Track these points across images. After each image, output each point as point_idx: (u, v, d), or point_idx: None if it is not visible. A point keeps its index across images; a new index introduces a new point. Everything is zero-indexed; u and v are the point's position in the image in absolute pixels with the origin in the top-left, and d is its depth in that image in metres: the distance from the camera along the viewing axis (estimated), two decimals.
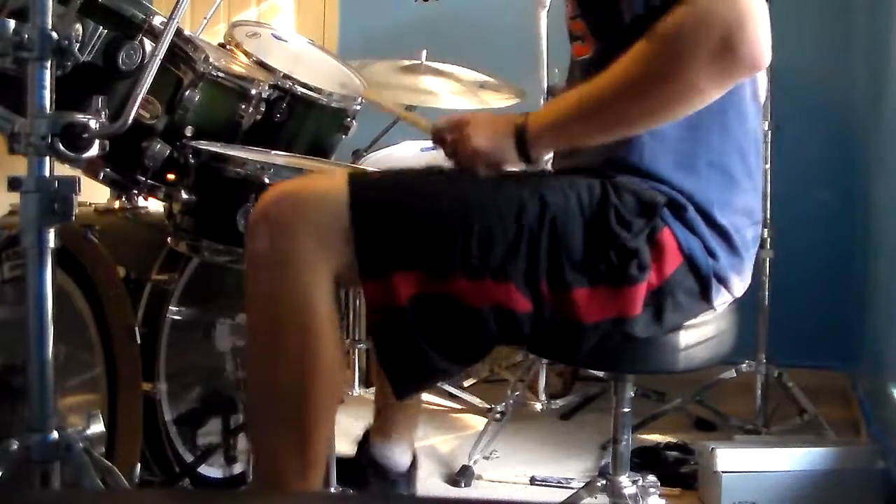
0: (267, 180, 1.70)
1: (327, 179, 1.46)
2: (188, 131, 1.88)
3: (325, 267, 1.37)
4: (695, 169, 1.42)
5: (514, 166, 1.46)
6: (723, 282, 1.44)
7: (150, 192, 1.89)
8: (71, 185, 1.32)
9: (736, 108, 1.44)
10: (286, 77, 2.07)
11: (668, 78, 1.30)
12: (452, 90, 2.82)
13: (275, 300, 1.38)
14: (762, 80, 1.56)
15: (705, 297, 1.43)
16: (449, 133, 1.47)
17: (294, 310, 1.37)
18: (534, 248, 1.35)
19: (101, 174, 1.87)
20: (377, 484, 1.81)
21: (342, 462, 1.77)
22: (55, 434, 1.35)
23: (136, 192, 1.90)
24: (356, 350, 3.03)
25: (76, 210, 1.32)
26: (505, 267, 1.35)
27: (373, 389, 2.39)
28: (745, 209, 1.46)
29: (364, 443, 1.85)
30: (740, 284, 1.49)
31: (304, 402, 1.40)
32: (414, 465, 1.86)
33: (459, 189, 1.41)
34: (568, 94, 1.45)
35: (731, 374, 2.73)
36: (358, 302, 2.93)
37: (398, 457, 1.82)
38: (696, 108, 1.33)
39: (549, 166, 1.66)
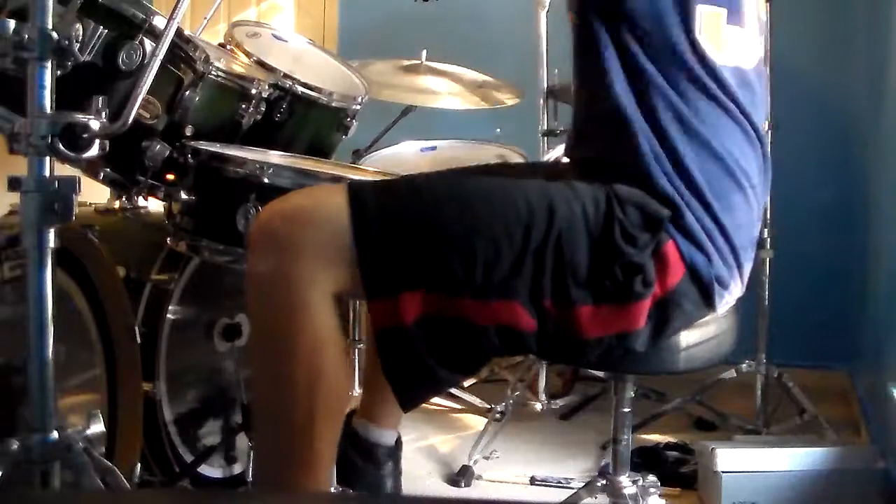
0: (266, 180, 1.70)
1: (326, 194, 1.45)
2: (188, 131, 1.87)
3: (328, 283, 1.37)
4: (696, 169, 1.42)
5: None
6: (724, 286, 1.44)
7: (150, 192, 1.89)
8: (71, 185, 1.31)
9: (727, 109, 1.44)
10: (286, 77, 2.07)
11: None
12: (452, 90, 2.82)
13: (279, 319, 1.38)
14: (765, 76, 1.56)
15: (708, 303, 1.43)
16: None
17: (298, 329, 1.37)
18: (539, 265, 1.35)
19: (101, 174, 1.87)
20: (361, 463, 1.80)
21: None
22: (55, 434, 1.34)
23: (136, 192, 1.89)
24: (356, 350, 3.03)
25: (76, 210, 1.32)
26: (510, 283, 1.35)
27: None
28: (746, 209, 1.46)
29: (347, 424, 1.85)
30: (739, 284, 1.49)
31: (311, 423, 1.41)
32: (398, 444, 1.85)
33: (464, 200, 1.40)
34: None
35: (731, 374, 2.73)
36: (358, 303, 2.92)
37: (382, 437, 1.82)
38: None
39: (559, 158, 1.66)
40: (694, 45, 1.40)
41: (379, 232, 1.37)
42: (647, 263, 1.36)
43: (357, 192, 1.40)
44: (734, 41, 1.44)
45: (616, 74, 1.42)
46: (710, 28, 1.41)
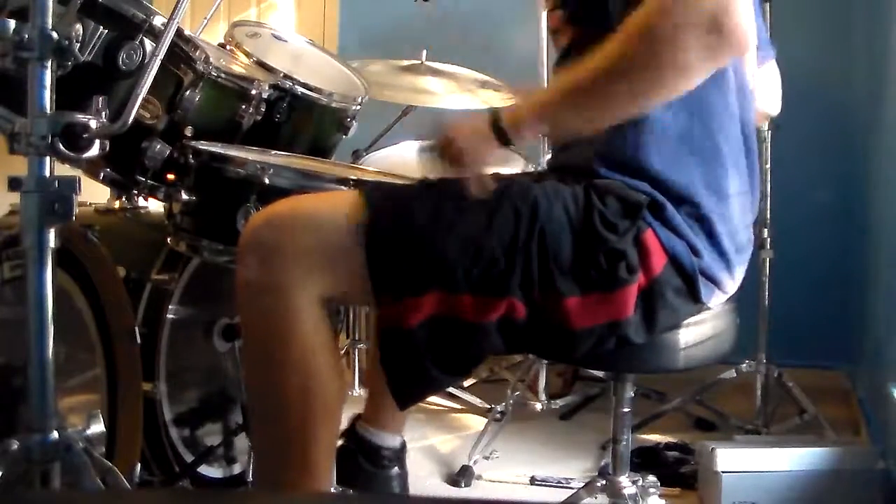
0: (267, 180, 1.70)
1: (315, 201, 1.49)
2: (188, 131, 1.88)
3: (316, 289, 1.39)
4: (682, 163, 1.42)
5: (499, 160, 1.47)
6: (711, 279, 1.44)
7: (150, 192, 1.89)
8: (71, 185, 1.31)
9: (721, 99, 1.44)
10: (286, 77, 2.07)
11: (656, 57, 1.28)
12: (452, 90, 2.81)
13: (269, 325, 1.40)
14: (751, 71, 1.55)
15: (694, 296, 1.43)
16: (436, 141, 1.46)
17: (289, 334, 1.39)
18: (527, 261, 1.37)
19: (102, 174, 1.87)
20: (367, 466, 1.81)
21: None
22: (55, 434, 1.34)
23: (136, 192, 1.89)
24: (356, 350, 3.03)
25: (76, 210, 1.32)
26: (505, 280, 1.37)
27: None
28: (735, 205, 1.47)
29: (352, 428, 1.86)
30: (731, 282, 1.49)
31: (306, 427, 1.42)
32: (403, 447, 1.86)
33: (460, 209, 1.41)
34: (553, 80, 1.45)
35: (731, 374, 2.73)
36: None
37: (387, 440, 1.83)
38: (683, 88, 1.32)
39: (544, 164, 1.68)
40: None
41: (389, 238, 1.39)
42: (628, 249, 1.37)
43: (370, 199, 1.42)
44: None
45: None
46: None
